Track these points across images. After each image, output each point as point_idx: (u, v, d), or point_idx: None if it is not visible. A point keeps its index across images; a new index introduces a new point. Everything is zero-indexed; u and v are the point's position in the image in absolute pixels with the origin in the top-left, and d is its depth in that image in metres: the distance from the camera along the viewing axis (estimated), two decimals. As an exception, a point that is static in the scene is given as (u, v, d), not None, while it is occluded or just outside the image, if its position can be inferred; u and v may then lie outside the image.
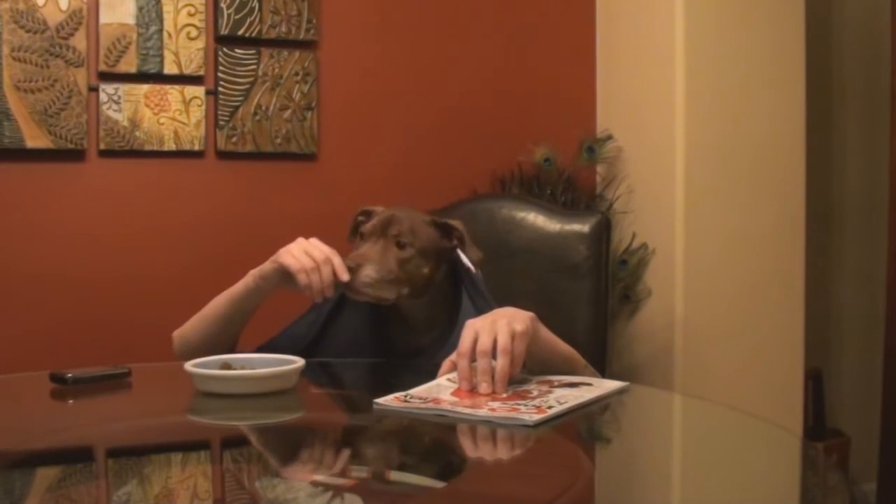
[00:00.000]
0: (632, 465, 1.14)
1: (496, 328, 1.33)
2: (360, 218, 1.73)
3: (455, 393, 1.30)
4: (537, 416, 1.17)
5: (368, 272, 1.58)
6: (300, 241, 1.61)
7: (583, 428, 1.29)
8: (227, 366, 1.42)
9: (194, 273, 2.59)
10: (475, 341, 1.33)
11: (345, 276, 1.56)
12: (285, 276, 1.58)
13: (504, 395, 1.29)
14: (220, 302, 1.67)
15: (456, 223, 1.69)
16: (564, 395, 1.29)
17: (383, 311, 1.69)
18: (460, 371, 1.32)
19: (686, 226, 2.72)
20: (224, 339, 1.68)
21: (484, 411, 1.20)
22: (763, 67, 2.80)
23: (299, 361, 1.42)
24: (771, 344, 2.81)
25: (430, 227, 1.67)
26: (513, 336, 1.33)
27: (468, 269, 1.72)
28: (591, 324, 1.98)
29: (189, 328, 1.70)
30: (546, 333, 1.47)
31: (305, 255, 1.57)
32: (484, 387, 1.30)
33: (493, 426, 1.19)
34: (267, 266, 1.61)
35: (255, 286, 1.63)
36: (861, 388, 3.31)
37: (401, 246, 1.62)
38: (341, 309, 1.75)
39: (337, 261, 1.57)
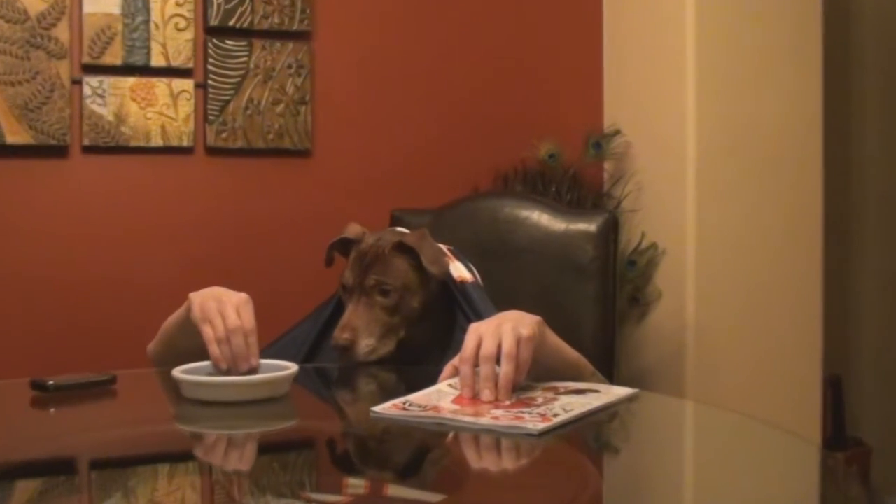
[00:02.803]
0: (641, 476, 1.13)
1: (501, 332, 1.33)
2: (339, 249, 1.74)
3: (456, 400, 1.30)
4: (542, 425, 1.17)
5: (367, 342, 1.62)
6: (216, 296, 1.48)
7: (590, 437, 1.28)
8: (213, 373, 1.42)
9: (182, 275, 2.59)
10: (478, 346, 1.32)
11: (244, 366, 1.43)
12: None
13: (507, 403, 1.28)
14: (168, 324, 1.65)
15: (413, 241, 1.68)
16: (571, 403, 1.29)
17: None
18: (462, 377, 1.32)
19: (697, 225, 2.72)
20: (189, 356, 1.66)
21: (486, 420, 1.20)
22: (779, 58, 2.79)
23: (292, 367, 1.41)
24: (787, 348, 2.81)
25: (399, 253, 1.68)
26: (518, 341, 1.32)
27: (459, 281, 1.72)
28: (598, 328, 1.98)
29: (152, 347, 1.72)
30: (553, 338, 1.46)
31: (218, 320, 1.44)
32: (486, 394, 1.30)
33: (496, 435, 1.18)
34: (195, 311, 1.49)
35: (189, 316, 1.54)
36: (883, 394, 3.31)
37: (384, 294, 1.64)
38: (339, 314, 1.75)
39: (241, 342, 1.43)
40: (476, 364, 1.32)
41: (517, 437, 1.17)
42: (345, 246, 1.74)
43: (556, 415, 1.22)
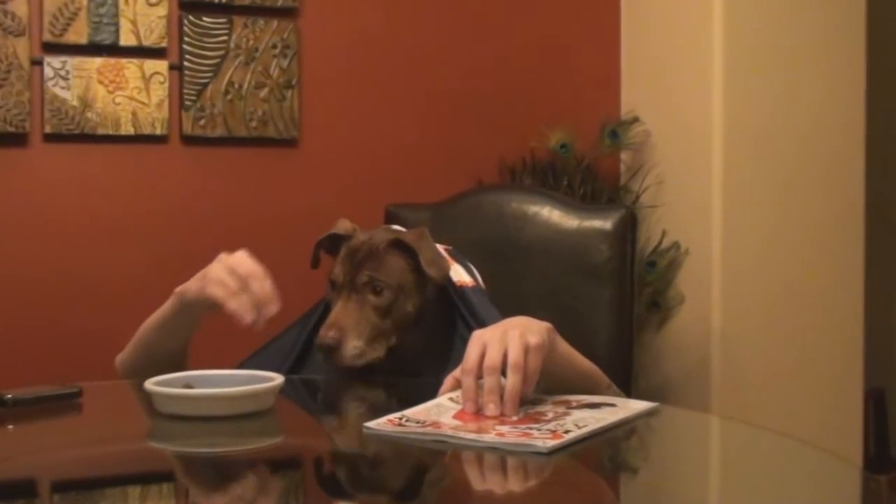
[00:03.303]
0: (661, 499, 1.13)
1: (507, 340, 1.33)
2: (323, 244, 1.75)
3: (458, 415, 1.30)
4: (552, 442, 1.17)
5: (354, 343, 1.61)
6: (222, 259, 1.58)
7: (605, 455, 1.28)
8: (191, 384, 1.42)
9: (156, 276, 2.59)
10: (482, 356, 1.32)
11: (273, 310, 1.52)
12: (210, 305, 1.57)
13: (514, 418, 1.29)
14: (147, 327, 1.68)
15: (411, 239, 1.69)
16: (584, 418, 1.29)
17: None
18: (464, 390, 1.32)
19: (724, 222, 2.72)
20: (162, 368, 1.67)
21: (491, 436, 1.20)
22: (816, 37, 2.79)
23: (277, 378, 1.41)
24: (825, 359, 2.81)
25: (395, 251, 1.68)
26: (526, 350, 1.32)
27: (458, 286, 1.72)
28: (613, 335, 1.98)
29: (125, 356, 1.72)
30: (564, 347, 1.46)
31: (230, 276, 1.53)
32: (491, 408, 1.30)
33: (501, 454, 1.19)
34: (191, 289, 1.58)
35: (182, 310, 1.62)
36: (929, 410, 3.31)
37: (376, 292, 1.64)
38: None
39: (259, 287, 1.52)
40: (479, 375, 1.32)
41: (524, 456, 1.17)
42: (334, 244, 1.74)
43: (567, 431, 1.22)
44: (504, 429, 1.24)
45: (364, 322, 1.63)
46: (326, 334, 1.62)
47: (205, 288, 1.55)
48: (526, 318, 1.41)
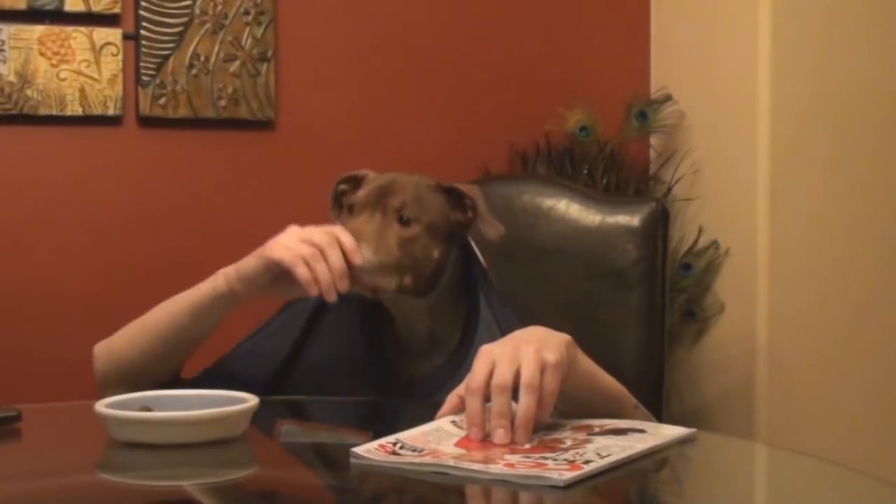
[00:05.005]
0: (700, 540, 1.13)
1: (520, 356, 1.33)
2: (342, 187, 1.75)
3: (461, 442, 1.30)
4: (569, 475, 1.17)
5: (367, 255, 1.60)
6: (293, 229, 1.61)
7: (632, 490, 1.28)
8: (149, 407, 1.42)
9: (108, 280, 2.59)
10: (490, 373, 1.32)
11: (358, 259, 1.57)
12: (277, 274, 1.58)
13: (527, 446, 1.29)
14: (169, 310, 1.68)
15: (468, 189, 1.71)
16: (608, 446, 1.29)
17: (374, 324, 1.72)
18: (470, 413, 1.32)
19: (771, 218, 2.72)
20: (167, 363, 1.68)
21: (499, 467, 1.20)
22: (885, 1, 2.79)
23: (251, 400, 1.41)
24: (888, 379, 2.81)
25: (439, 194, 1.70)
26: (542, 368, 1.32)
27: (486, 268, 1.73)
28: (642, 350, 1.98)
29: (120, 343, 1.71)
30: (586, 364, 1.47)
31: (302, 242, 1.57)
32: (500, 434, 1.30)
33: (511, 487, 1.19)
34: (249, 263, 1.61)
35: (230, 291, 1.62)
36: None
37: (404, 222, 1.65)
38: (317, 321, 1.76)
39: (346, 239, 1.58)
40: (488, 397, 1.32)
41: (539, 490, 1.17)
42: (355, 187, 1.73)
43: (587, 461, 1.22)
44: (515, 458, 1.24)
45: (382, 241, 1.62)
46: None
47: (266, 251, 1.58)
48: (542, 330, 1.41)
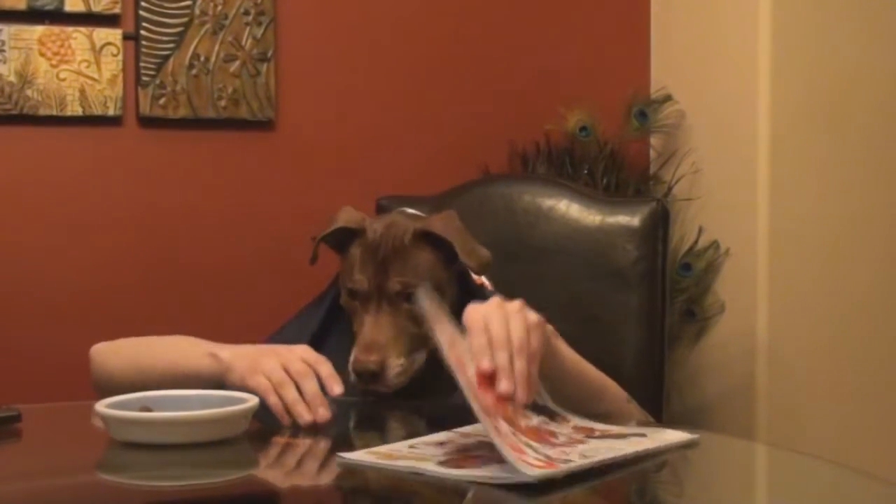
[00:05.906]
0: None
1: (507, 314, 1.35)
2: (322, 235, 1.74)
3: (477, 379, 1.29)
4: (539, 472, 1.14)
5: (398, 363, 1.64)
6: (277, 350, 1.58)
7: (632, 491, 1.28)
8: (149, 407, 1.42)
9: (107, 281, 2.59)
10: (486, 330, 1.33)
11: (337, 389, 1.53)
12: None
13: (523, 424, 1.28)
14: (169, 358, 1.66)
15: (442, 227, 1.70)
16: (598, 448, 1.28)
17: None
18: (476, 347, 1.32)
19: (771, 218, 2.72)
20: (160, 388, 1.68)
21: (469, 472, 1.18)
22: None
23: (251, 400, 1.41)
24: (889, 379, 2.81)
25: (422, 245, 1.70)
26: (527, 328, 1.34)
27: (480, 285, 1.73)
28: (642, 350, 1.98)
29: (114, 365, 1.71)
30: (566, 348, 1.48)
31: (279, 370, 1.53)
32: (505, 384, 1.29)
33: (484, 483, 1.17)
34: (235, 375, 1.57)
35: (222, 378, 1.60)
36: None
37: (409, 300, 1.65)
38: (327, 335, 1.76)
39: (324, 370, 1.54)
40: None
41: (526, 491, 1.15)
42: (339, 238, 1.73)
43: (567, 461, 1.21)
44: (508, 429, 1.23)
45: (402, 336, 1.65)
46: (367, 358, 1.62)
47: (246, 377, 1.54)
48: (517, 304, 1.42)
